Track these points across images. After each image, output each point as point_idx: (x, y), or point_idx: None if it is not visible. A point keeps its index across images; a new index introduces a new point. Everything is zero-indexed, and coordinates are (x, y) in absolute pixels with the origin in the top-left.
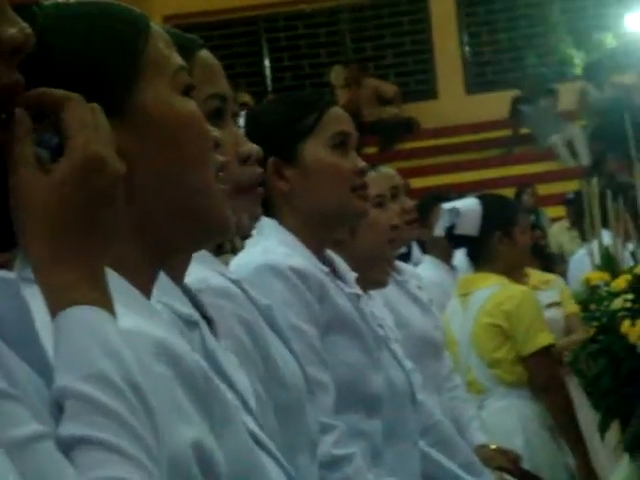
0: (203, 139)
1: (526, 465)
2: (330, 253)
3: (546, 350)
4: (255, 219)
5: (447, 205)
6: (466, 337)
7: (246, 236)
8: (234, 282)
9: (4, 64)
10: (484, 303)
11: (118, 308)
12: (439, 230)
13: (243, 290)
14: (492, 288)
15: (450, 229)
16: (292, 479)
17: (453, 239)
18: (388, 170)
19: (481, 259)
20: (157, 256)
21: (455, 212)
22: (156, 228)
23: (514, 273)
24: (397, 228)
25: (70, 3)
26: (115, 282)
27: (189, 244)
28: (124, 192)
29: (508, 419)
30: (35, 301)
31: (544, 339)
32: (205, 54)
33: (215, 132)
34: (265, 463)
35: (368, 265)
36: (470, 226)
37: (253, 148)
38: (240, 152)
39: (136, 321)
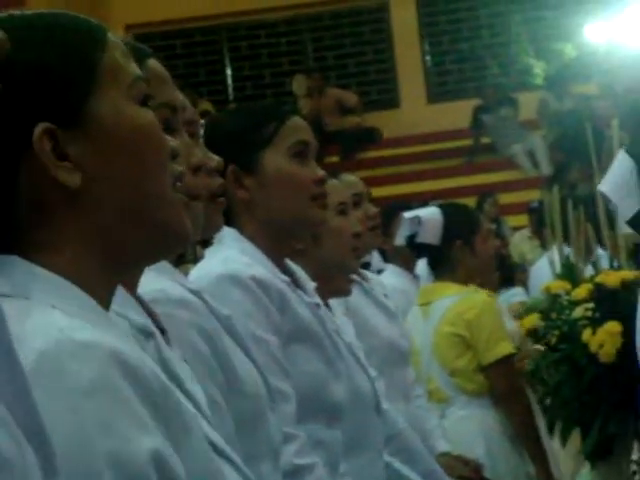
0: (160, 149)
1: (488, 474)
2: (289, 263)
3: (507, 359)
4: (217, 228)
5: (408, 214)
6: (427, 346)
7: (207, 245)
8: (193, 292)
9: None
10: (445, 312)
11: (75, 319)
12: (400, 239)
13: (203, 300)
14: (453, 297)
15: (412, 238)
16: None
17: (415, 248)
18: (351, 178)
19: (442, 268)
20: (116, 267)
21: (416, 221)
22: (114, 238)
23: (475, 281)
24: (360, 236)
25: (25, 14)
26: (71, 292)
27: (149, 254)
28: (81, 203)
29: (469, 428)
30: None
31: (504, 348)
32: (154, 63)
33: (173, 142)
34: (225, 471)
35: (331, 273)
36: (431, 235)
37: (212, 159)
38: (192, 162)
39: (92, 332)
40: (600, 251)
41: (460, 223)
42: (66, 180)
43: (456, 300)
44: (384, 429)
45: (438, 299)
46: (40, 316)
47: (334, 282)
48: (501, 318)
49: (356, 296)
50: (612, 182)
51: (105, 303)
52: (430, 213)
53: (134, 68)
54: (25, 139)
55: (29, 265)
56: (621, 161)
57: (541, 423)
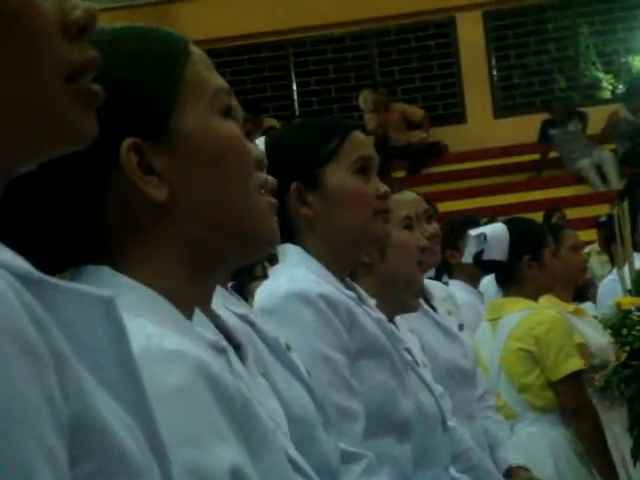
0: (244, 159)
1: None
2: (349, 280)
3: (576, 375)
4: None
5: (474, 231)
6: (496, 362)
7: (274, 261)
8: (240, 316)
9: (75, 44)
10: (514, 328)
11: (162, 329)
12: (467, 257)
13: (249, 323)
14: (522, 313)
15: (478, 255)
16: None
17: (482, 265)
18: (411, 196)
19: (510, 284)
20: (203, 278)
21: (482, 238)
22: (201, 249)
23: (558, 293)
24: (425, 250)
25: (110, 29)
26: (157, 303)
27: (236, 261)
28: (168, 215)
29: (538, 444)
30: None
31: (573, 364)
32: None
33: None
34: None
35: (398, 288)
36: (498, 251)
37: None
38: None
39: (179, 342)
40: None
41: (527, 238)
42: (152, 194)
43: (525, 315)
44: (450, 445)
45: (506, 314)
46: (128, 324)
47: (401, 297)
48: (571, 334)
49: (414, 316)
50: None
51: (189, 313)
52: (496, 230)
53: (217, 79)
54: (112, 154)
55: (118, 275)
56: None
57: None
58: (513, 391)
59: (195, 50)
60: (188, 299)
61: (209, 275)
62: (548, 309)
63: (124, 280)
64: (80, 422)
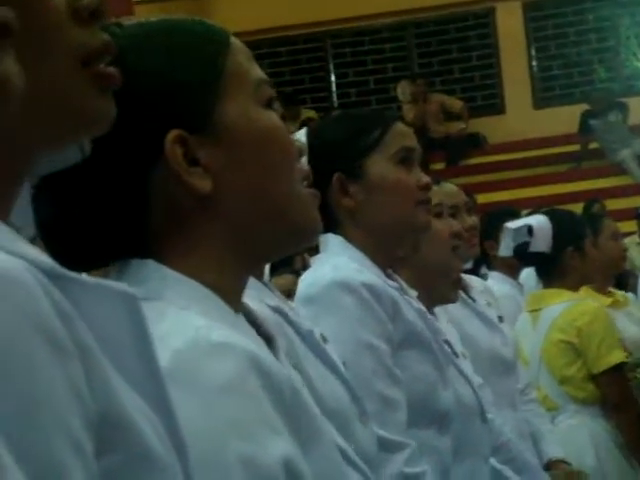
0: (288, 150)
1: None
2: (391, 271)
3: (618, 368)
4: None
5: (511, 224)
6: (537, 354)
7: (314, 253)
8: (273, 308)
9: (87, 29)
10: (556, 319)
11: (209, 321)
12: (506, 250)
13: (283, 315)
14: (564, 304)
15: (521, 247)
16: None
17: (523, 257)
18: (450, 187)
19: (552, 275)
20: (248, 268)
21: (525, 230)
22: (246, 240)
23: (596, 284)
24: (460, 235)
25: (149, 21)
26: (203, 294)
27: (281, 251)
28: (213, 207)
29: (579, 437)
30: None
31: (616, 357)
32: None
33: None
34: (352, 478)
35: (435, 278)
36: (542, 243)
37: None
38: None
39: (227, 334)
40: None
41: (569, 229)
42: (198, 185)
43: (567, 307)
44: (490, 437)
45: (548, 306)
46: (175, 317)
47: (439, 287)
48: (614, 325)
49: (454, 306)
50: None
51: (235, 305)
52: (540, 221)
53: (257, 71)
54: (157, 146)
55: (163, 268)
56: None
57: None
58: (554, 383)
59: (235, 41)
60: (234, 291)
61: (254, 266)
62: (590, 301)
63: (169, 273)
64: (106, 416)
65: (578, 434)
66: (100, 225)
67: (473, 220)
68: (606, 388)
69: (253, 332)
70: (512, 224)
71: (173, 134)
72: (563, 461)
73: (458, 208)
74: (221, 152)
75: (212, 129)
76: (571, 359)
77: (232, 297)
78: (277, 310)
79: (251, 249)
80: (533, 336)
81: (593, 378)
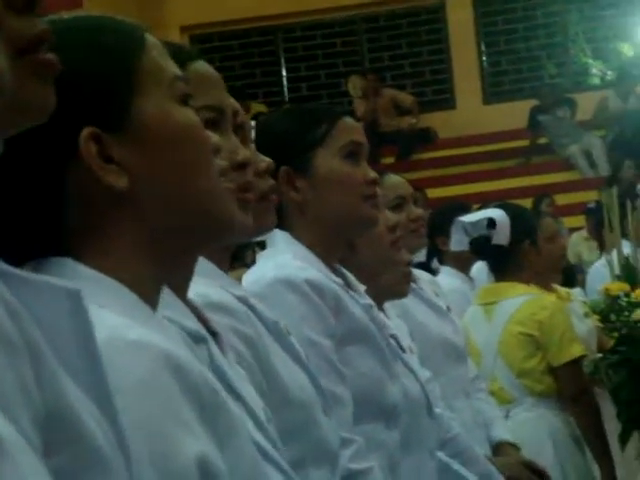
0: (203, 145)
1: (556, 476)
2: (339, 266)
3: (577, 361)
4: (269, 228)
5: (468, 218)
6: (492, 346)
7: (263, 247)
8: (239, 298)
9: (24, 18)
10: (515, 312)
11: (126, 320)
12: (459, 244)
13: (249, 306)
14: (522, 297)
15: (477, 241)
16: None
17: (482, 250)
18: (396, 179)
19: (507, 269)
20: (165, 265)
21: (487, 223)
22: (163, 237)
23: (540, 282)
24: (395, 229)
25: (65, 18)
26: (120, 293)
27: (199, 247)
28: (129, 204)
29: (536, 429)
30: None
31: (576, 350)
32: (200, 65)
33: (214, 137)
34: (271, 475)
35: (377, 274)
36: (503, 236)
37: (263, 160)
38: (236, 160)
39: (143, 332)
40: None
41: (525, 223)
42: (113, 182)
43: (526, 300)
44: (437, 431)
45: (504, 299)
46: (92, 315)
47: (386, 283)
48: (571, 320)
49: (407, 297)
50: None
51: (153, 303)
52: (499, 214)
53: (173, 67)
54: (71, 144)
55: (80, 267)
56: None
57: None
58: (511, 375)
59: (150, 38)
60: (152, 289)
61: (173, 263)
62: (548, 295)
63: (86, 271)
64: (54, 412)
65: (535, 427)
66: (15, 223)
67: (420, 211)
68: (564, 381)
69: (173, 330)
70: (467, 218)
71: (87, 131)
72: (512, 444)
73: (405, 199)
74: (137, 149)
75: (127, 126)
76: (531, 352)
77: (150, 295)
78: (243, 301)
79: (168, 246)
80: (487, 329)
81: (551, 371)
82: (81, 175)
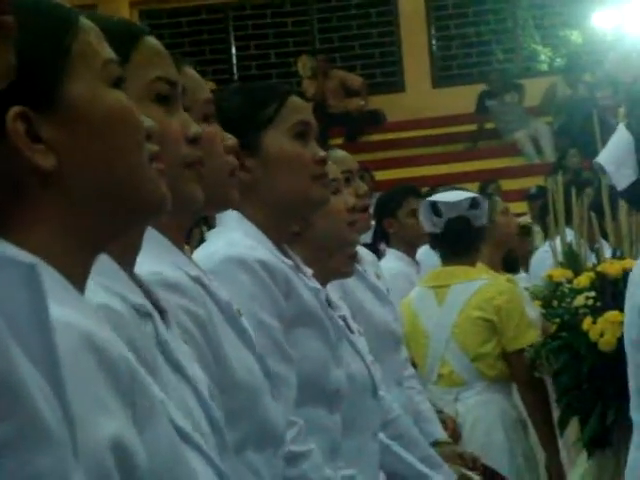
0: (134, 129)
1: (505, 459)
2: (287, 248)
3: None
4: (233, 203)
5: (446, 197)
6: (444, 330)
7: (211, 226)
8: (193, 277)
9: None
10: (471, 296)
11: (49, 300)
12: (432, 226)
13: (203, 285)
14: (477, 282)
15: (458, 221)
16: (223, 475)
17: (463, 232)
18: (341, 153)
19: (466, 251)
20: (91, 245)
21: (470, 204)
22: (89, 217)
23: (489, 263)
24: (355, 209)
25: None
26: (50, 276)
27: (124, 227)
28: (56, 184)
29: (488, 413)
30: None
31: (532, 336)
32: (151, 40)
33: (147, 122)
34: (192, 459)
35: (329, 253)
36: (483, 217)
37: (227, 139)
38: (188, 134)
39: (61, 311)
40: (603, 241)
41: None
42: (40, 162)
43: (482, 285)
44: (380, 413)
45: (458, 282)
46: None
47: (333, 263)
48: (525, 306)
49: (351, 279)
50: (609, 154)
51: (79, 282)
52: (474, 196)
53: (106, 50)
54: None
55: (2, 244)
56: (619, 135)
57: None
58: (464, 359)
59: (85, 21)
60: (78, 269)
61: (98, 243)
62: (502, 279)
63: (8, 249)
64: (3, 383)
65: (486, 410)
66: None
67: (365, 188)
68: (517, 366)
69: (134, 303)
70: (441, 197)
71: (14, 110)
72: (448, 442)
73: (352, 173)
74: (65, 130)
75: (56, 107)
76: (487, 336)
77: (76, 275)
78: (197, 280)
79: (94, 227)
80: (438, 312)
81: (504, 356)
82: (7, 154)
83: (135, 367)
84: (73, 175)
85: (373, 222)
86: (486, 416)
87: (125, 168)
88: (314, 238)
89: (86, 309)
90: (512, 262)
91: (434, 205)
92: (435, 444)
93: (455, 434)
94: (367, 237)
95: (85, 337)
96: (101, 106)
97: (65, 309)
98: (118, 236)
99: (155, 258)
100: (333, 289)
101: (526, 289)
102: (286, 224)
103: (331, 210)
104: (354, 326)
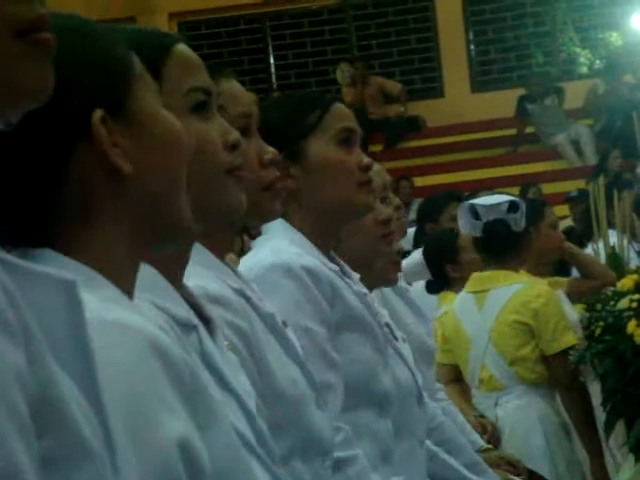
0: (184, 152)
1: (546, 464)
2: (334, 253)
3: (570, 350)
4: (275, 216)
5: (485, 200)
6: (483, 334)
7: (255, 236)
8: (235, 290)
9: (23, 2)
10: (508, 300)
11: (107, 304)
12: (471, 228)
13: (245, 298)
14: (515, 285)
15: (495, 224)
16: None
17: (497, 235)
18: (375, 167)
19: (507, 255)
20: (142, 257)
21: (508, 207)
22: (146, 228)
23: (531, 269)
24: (389, 223)
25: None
26: (98, 282)
27: (166, 246)
28: (126, 191)
29: (527, 417)
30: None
31: (570, 339)
32: (183, 48)
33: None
34: (253, 466)
35: (365, 263)
36: (521, 221)
37: (268, 151)
38: (227, 140)
39: (123, 313)
40: None
41: (531, 210)
42: (121, 165)
43: (520, 288)
44: (426, 420)
45: (497, 287)
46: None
47: (379, 269)
48: (564, 308)
49: (388, 291)
50: None
51: (129, 291)
52: (516, 199)
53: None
54: (82, 125)
55: (58, 257)
56: None
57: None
58: (503, 363)
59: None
60: (129, 279)
61: (147, 255)
62: (541, 283)
63: (65, 261)
64: (43, 401)
65: (526, 415)
66: (9, 206)
67: (398, 201)
68: (557, 370)
69: (178, 317)
70: (480, 200)
71: (99, 113)
72: (491, 449)
73: (384, 187)
74: (135, 139)
75: (128, 117)
76: (525, 340)
77: (127, 285)
78: (240, 292)
79: (146, 239)
80: (478, 317)
81: (544, 359)
82: (88, 157)
83: (195, 370)
84: (141, 183)
85: (411, 229)
86: (525, 420)
87: (179, 191)
88: (347, 251)
89: (145, 315)
90: (563, 264)
91: (473, 208)
92: (479, 451)
93: (494, 439)
94: (408, 244)
95: (148, 337)
96: (165, 123)
97: (130, 314)
98: (160, 250)
99: (198, 272)
100: (374, 298)
101: None
102: (332, 230)
103: (360, 224)
104: (398, 333)
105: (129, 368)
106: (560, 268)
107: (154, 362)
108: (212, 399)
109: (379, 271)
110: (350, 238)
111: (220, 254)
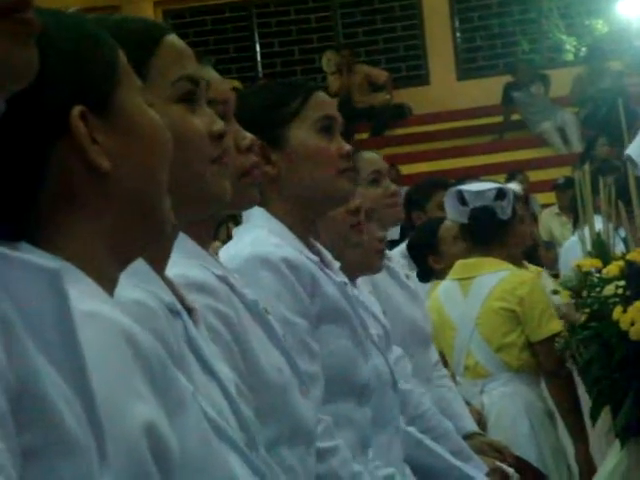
0: (168, 145)
1: (531, 451)
2: (314, 241)
3: (555, 337)
4: (252, 203)
5: (472, 187)
6: (469, 321)
7: (238, 223)
8: (219, 277)
9: None
10: (494, 287)
11: (80, 294)
12: (457, 215)
13: (229, 285)
14: (500, 272)
15: (482, 211)
16: (258, 471)
17: (483, 222)
18: (370, 155)
19: (491, 244)
20: (123, 254)
21: (496, 194)
22: (126, 224)
23: (512, 259)
24: (358, 212)
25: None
26: (76, 277)
27: (146, 243)
28: (104, 187)
29: (513, 404)
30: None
31: (555, 326)
32: (173, 38)
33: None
34: (226, 453)
35: (339, 253)
36: (508, 209)
37: (245, 137)
38: (212, 130)
39: (95, 303)
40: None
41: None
42: (100, 162)
43: (505, 275)
44: (399, 405)
45: (482, 274)
46: None
47: (353, 260)
48: (549, 296)
49: (382, 275)
50: (638, 145)
51: (109, 287)
52: (505, 187)
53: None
54: (60, 121)
55: (35, 251)
56: None
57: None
58: (489, 350)
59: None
60: (108, 271)
61: (129, 252)
62: (525, 270)
63: (43, 255)
64: (24, 395)
65: (512, 401)
66: None
67: (395, 187)
68: (542, 356)
69: (165, 302)
70: (468, 187)
71: (78, 109)
72: (479, 433)
73: (381, 174)
74: (115, 135)
75: (110, 113)
76: (511, 327)
77: (107, 279)
78: (223, 279)
79: (126, 235)
80: (463, 304)
81: (529, 346)
82: (66, 153)
83: (165, 359)
84: (119, 179)
85: None
86: (511, 407)
87: (162, 185)
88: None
89: (118, 306)
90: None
91: (460, 194)
92: (465, 437)
93: (480, 426)
94: (395, 233)
95: (123, 331)
96: (147, 121)
97: (103, 305)
98: (141, 249)
99: (182, 260)
100: (363, 283)
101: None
102: (312, 218)
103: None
104: (375, 321)
105: (100, 356)
106: (529, 257)
107: (125, 351)
108: (181, 388)
109: (361, 259)
110: (321, 229)
111: (204, 243)
